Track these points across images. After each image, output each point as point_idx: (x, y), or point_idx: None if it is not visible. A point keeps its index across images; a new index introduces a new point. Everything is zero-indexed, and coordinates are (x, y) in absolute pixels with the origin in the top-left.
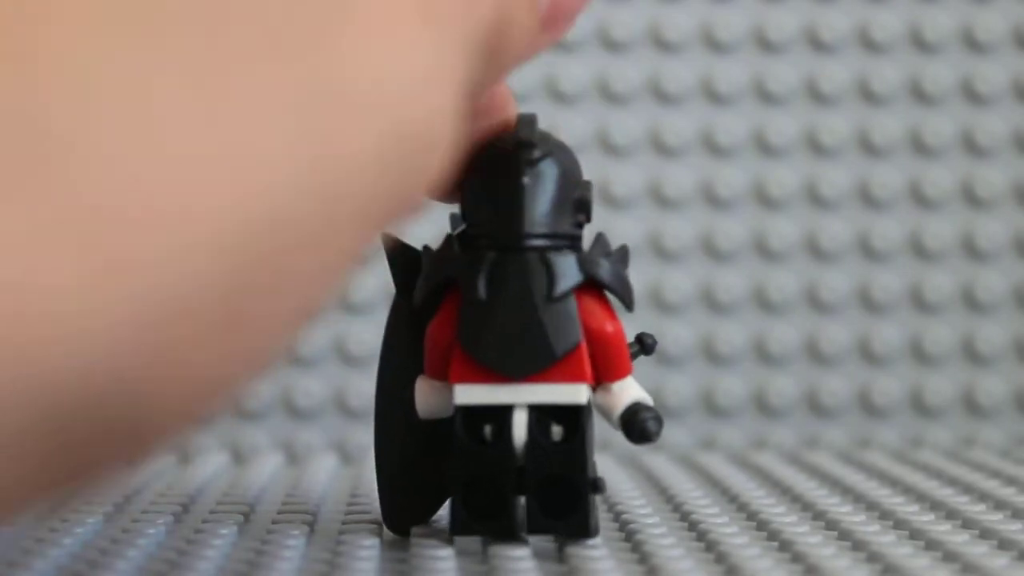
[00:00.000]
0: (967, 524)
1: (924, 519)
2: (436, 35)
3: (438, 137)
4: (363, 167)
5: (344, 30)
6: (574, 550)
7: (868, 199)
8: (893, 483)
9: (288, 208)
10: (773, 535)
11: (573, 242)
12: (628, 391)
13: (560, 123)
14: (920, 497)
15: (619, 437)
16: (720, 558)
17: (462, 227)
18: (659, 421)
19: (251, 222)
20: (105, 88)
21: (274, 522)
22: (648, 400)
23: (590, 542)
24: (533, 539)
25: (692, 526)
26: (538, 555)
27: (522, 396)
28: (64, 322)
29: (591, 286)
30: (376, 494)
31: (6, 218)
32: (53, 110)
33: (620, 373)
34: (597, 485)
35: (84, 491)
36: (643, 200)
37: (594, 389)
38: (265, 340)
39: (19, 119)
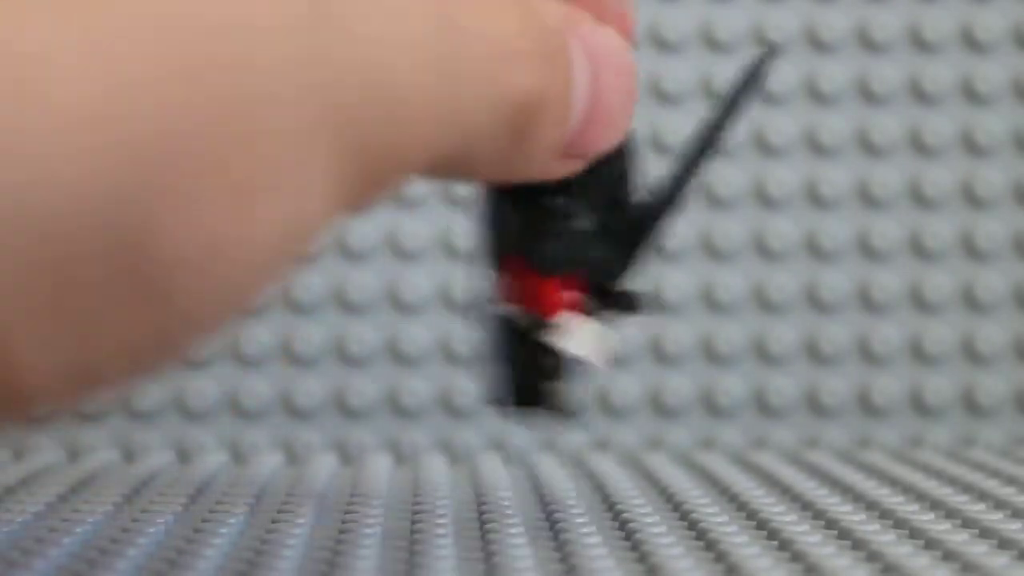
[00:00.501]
0: (967, 523)
1: (924, 518)
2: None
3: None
4: None
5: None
6: (573, 550)
7: (868, 199)
8: (893, 483)
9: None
10: (773, 534)
11: None
12: None
13: None
14: (920, 497)
15: (620, 437)
16: (720, 557)
17: None
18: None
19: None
20: None
21: (274, 521)
22: None
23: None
24: (531, 539)
25: (692, 526)
26: (538, 555)
27: None
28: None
29: None
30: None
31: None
32: None
33: None
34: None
35: (120, 389)
36: None
37: None
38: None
39: None
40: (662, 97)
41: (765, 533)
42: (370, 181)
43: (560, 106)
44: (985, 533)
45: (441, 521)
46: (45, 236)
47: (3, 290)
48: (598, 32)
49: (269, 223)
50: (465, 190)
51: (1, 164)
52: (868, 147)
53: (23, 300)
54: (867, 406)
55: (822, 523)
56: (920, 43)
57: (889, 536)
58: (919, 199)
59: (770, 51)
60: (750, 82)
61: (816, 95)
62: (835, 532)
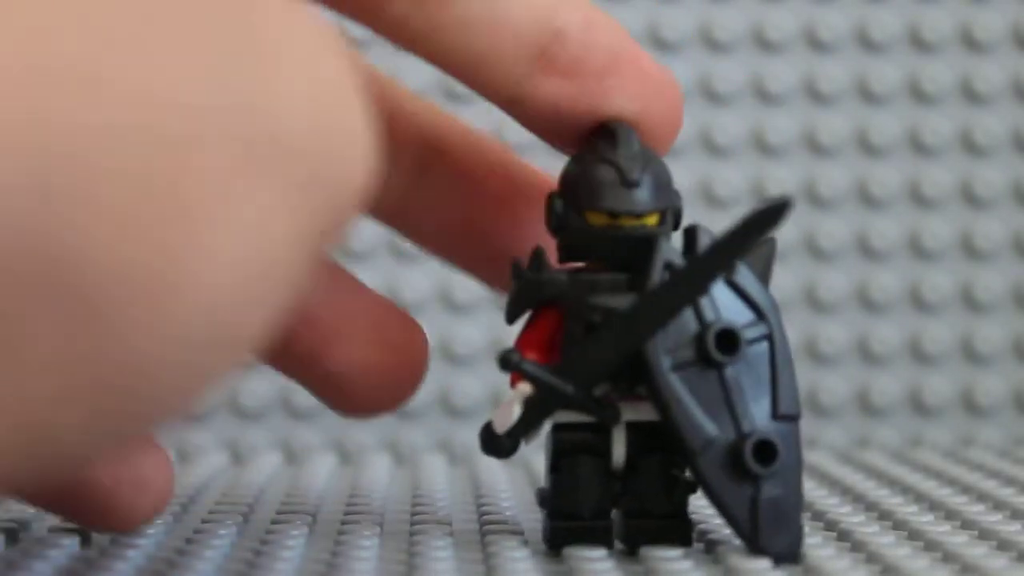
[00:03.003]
0: (966, 524)
1: (923, 519)
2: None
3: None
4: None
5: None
6: (572, 551)
7: (867, 199)
8: (892, 483)
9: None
10: None
11: None
12: None
13: None
14: (919, 497)
15: None
16: (719, 558)
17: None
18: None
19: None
20: None
21: (273, 522)
22: None
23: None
24: (529, 539)
25: (692, 526)
26: (537, 555)
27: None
28: None
29: None
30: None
31: None
32: None
33: None
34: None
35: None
36: None
37: None
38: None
39: None
40: None
41: None
42: (330, 214)
43: None
44: (984, 534)
45: (440, 521)
46: None
47: None
48: None
49: (220, 260)
50: None
51: None
52: (867, 147)
53: None
54: (866, 406)
55: (821, 524)
56: (919, 43)
57: (888, 537)
58: (918, 199)
59: (783, 202)
60: (751, 230)
61: (815, 95)
62: (834, 533)
